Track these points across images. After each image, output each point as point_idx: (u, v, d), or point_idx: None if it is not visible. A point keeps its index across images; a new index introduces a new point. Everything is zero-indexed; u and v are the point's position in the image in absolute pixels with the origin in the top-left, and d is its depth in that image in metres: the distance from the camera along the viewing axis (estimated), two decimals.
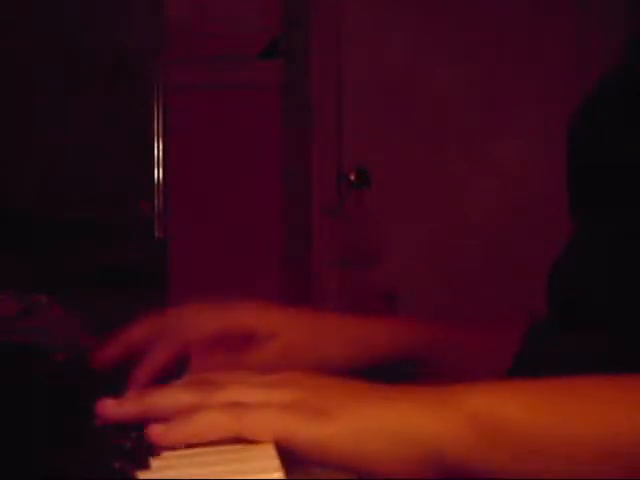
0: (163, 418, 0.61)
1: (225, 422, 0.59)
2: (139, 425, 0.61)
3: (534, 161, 2.66)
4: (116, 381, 0.79)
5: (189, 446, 0.60)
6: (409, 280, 2.68)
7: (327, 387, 0.63)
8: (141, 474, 0.55)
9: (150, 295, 1.88)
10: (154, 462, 0.57)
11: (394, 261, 2.69)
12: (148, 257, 2.07)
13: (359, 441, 0.58)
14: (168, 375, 0.79)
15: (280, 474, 0.54)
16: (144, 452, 0.58)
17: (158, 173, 2.16)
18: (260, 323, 0.86)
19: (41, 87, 2.05)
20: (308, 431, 0.59)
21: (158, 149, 2.16)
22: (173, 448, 0.59)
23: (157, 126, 2.16)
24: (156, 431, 0.59)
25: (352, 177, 2.66)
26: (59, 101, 2.06)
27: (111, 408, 0.63)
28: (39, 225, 1.96)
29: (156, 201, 2.14)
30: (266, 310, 0.88)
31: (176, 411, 0.61)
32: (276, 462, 0.56)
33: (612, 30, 2.52)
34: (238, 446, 0.59)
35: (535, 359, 0.76)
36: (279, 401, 0.60)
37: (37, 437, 0.64)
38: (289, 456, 0.58)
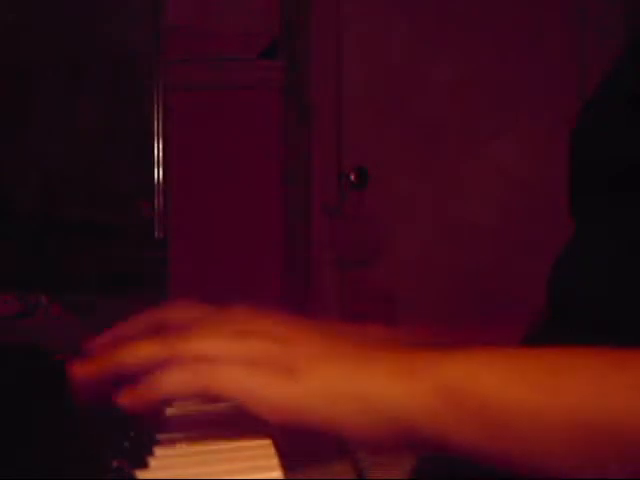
0: (129, 376, 0.60)
1: (190, 380, 0.58)
2: (138, 425, 0.61)
3: (534, 161, 2.66)
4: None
5: (187, 443, 0.60)
6: (409, 280, 2.68)
7: (298, 342, 0.61)
8: (140, 473, 0.55)
9: (150, 295, 1.88)
10: (153, 461, 0.57)
11: (394, 261, 2.69)
12: (148, 257, 2.07)
13: (326, 403, 0.57)
14: None
15: (279, 473, 0.54)
16: (143, 451, 0.58)
17: (158, 173, 2.16)
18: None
19: (41, 87, 2.05)
20: (274, 389, 0.58)
21: (158, 149, 2.16)
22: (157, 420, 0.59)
23: (157, 126, 2.15)
24: (123, 399, 0.59)
25: (352, 177, 2.66)
26: (59, 101, 2.06)
27: (78, 369, 0.63)
28: (39, 225, 1.96)
29: (156, 201, 2.14)
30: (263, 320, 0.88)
31: (141, 365, 0.60)
32: (275, 461, 0.56)
33: (612, 30, 2.52)
34: (237, 445, 0.59)
35: None
36: (247, 355, 0.59)
37: (37, 437, 0.64)
38: (252, 413, 0.57)
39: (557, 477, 0.54)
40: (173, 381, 0.59)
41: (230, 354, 0.60)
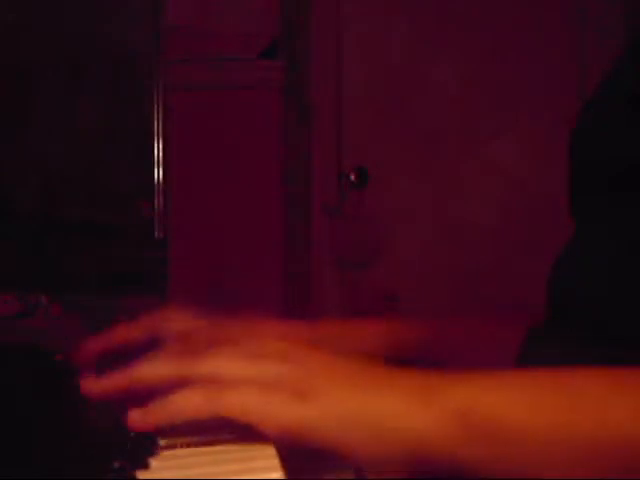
0: (144, 393, 0.61)
1: (202, 403, 0.59)
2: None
3: (534, 161, 2.66)
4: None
5: (188, 444, 0.60)
6: (409, 280, 2.68)
7: (313, 366, 0.62)
8: (141, 474, 0.55)
9: (150, 295, 1.88)
10: (154, 462, 0.57)
11: (394, 261, 2.69)
12: (148, 257, 2.07)
13: (339, 426, 0.58)
14: None
15: (280, 474, 0.54)
16: (144, 452, 0.58)
17: (158, 173, 2.16)
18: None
19: (41, 87, 2.05)
20: (288, 411, 0.58)
21: (158, 149, 2.16)
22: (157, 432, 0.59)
23: (157, 126, 2.16)
24: (134, 417, 0.59)
25: (352, 177, 2.66)
26: (59, 101, 2.06)
27: (94, 384, 0.63)
28: (39, 225, 1.96)
29: (156, 201, 2.14)
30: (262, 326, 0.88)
31: (156, 383, 0.61)
32: (276, 462, 0.56)
33: (612, 30, 2.52)
34: (238, 446, 0.59)
35: (535, 359, 0.76)
36: (261, 376, 0.60)
37: (37, 437, 0.64)
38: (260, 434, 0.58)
39: None
40: (186, 403, 0.59)
41: (244, 377, 0.60)
